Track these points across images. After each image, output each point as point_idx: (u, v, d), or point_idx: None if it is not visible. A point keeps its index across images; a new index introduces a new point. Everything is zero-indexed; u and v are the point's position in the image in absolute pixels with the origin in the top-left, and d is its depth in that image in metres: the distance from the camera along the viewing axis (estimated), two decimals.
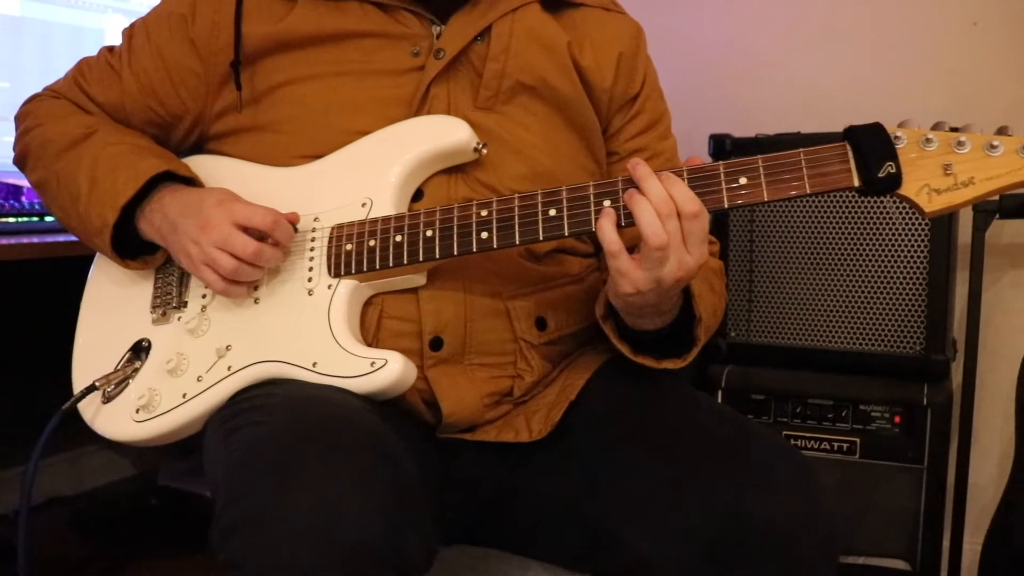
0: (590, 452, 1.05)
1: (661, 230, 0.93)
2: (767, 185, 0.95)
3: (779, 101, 2.07)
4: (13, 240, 1.41)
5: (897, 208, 1.67)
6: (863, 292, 1.71)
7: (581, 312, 1.16)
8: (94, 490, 1.99)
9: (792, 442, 1.74)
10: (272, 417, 0.92)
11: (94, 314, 1.21)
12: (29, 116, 1.21)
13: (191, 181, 1.13)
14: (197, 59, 1.15)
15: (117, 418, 1.10)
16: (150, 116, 1.18)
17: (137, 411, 1.08)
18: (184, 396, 1.06)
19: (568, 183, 1.00)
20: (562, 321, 1.14)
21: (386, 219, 1.05)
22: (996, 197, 1.24)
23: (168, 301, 1.13)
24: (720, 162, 0.96)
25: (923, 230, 1.67)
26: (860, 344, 1.72)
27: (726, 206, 0.96)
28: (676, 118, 1.27)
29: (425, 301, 1.07)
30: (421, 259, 1.02)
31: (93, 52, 1.24)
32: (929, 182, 0.92)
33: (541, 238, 1.00)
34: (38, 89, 1.25)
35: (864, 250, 1.70)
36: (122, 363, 1.13)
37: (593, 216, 0.98)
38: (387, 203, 1.06)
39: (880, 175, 0.92)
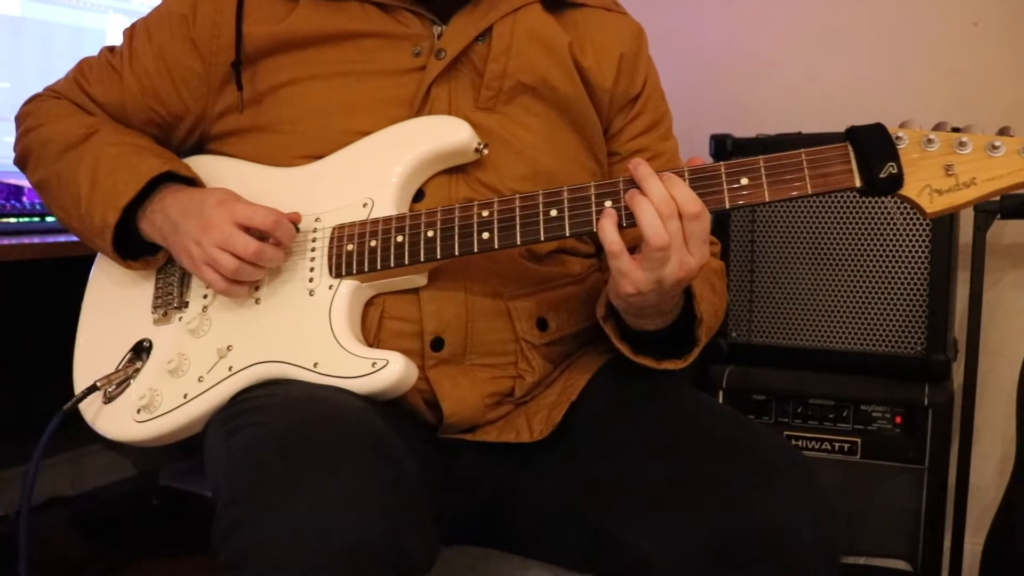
0: (591, 452, 1.05)
1: (663, 230, 0.92)
2: (768, 186, 0.95)
3: (780, 101, 2.07)
4: (14, 240, 1.41)
5: (898, 208, 1.67)
6: (864, 292, 1.71)
7: (582, 312, 1.16)
8: (95, 490, 1.99)
9: (793, 442, 1.74)
10: (273, 417, 0.92)
11: (95, 314, 1.21)
12: (30, 116, 1.21)
13: (192, 181, 1.13)
14: (198, 59, 1.15)
15: (118, 418, 1.10)
16: (151, 116, 1.18)
17: (138, 411, 1.08)
18: (185, 396, 1.06)
19: (569, 183, 1.00)
20: (563, 321, 1.14)
21: (387, 219, 1.05)
22: (997, 197, 1.25)
23: (169, 301, 1.13)
24: (721, 162, 0.96)
25: (924, 230, 1.67)
26: (861, 344, 1.72)
27: (727, 206, 0.96)
28: (677, 118, 1.27)
29: (426, 301, 1.07)
30: (422, 259, 1.02)
31: (94, 52, 1.24)
32: (931, 183, 0.92)
33: (542, 238, 1.00)
34: (39, 89, 1.25)
35: (865, 250, 1.70)
36: (123, 363, 1.13)
37: (594, 216, 0.98)
38: (388, 203, 1.06)
39: (882, 176, 0.92)
